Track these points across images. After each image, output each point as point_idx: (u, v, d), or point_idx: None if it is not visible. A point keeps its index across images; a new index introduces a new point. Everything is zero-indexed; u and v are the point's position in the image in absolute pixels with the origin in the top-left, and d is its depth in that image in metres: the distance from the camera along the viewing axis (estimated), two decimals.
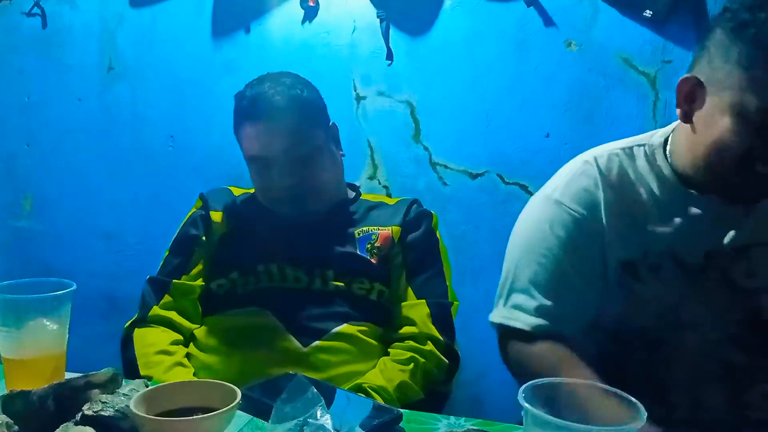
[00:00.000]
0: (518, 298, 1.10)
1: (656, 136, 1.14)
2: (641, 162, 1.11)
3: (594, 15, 1.75)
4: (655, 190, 1.08)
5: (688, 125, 1.04)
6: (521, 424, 0.91)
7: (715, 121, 0.98)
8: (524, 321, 1.08)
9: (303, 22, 1.94)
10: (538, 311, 1.07)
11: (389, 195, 1.90)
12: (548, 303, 1.07)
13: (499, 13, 1.81)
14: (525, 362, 1.08)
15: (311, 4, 1.90)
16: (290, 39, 1.95)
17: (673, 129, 1.12)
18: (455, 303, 1.35)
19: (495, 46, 1.83)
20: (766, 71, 0.91)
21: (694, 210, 1.06)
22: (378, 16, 1.87)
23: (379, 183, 1.95)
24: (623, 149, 1.13)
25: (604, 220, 1.07)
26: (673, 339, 1.06)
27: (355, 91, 1.93)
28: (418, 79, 1.89)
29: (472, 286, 1.89)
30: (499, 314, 1.14)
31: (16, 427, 0.80)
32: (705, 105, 1.00)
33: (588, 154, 1.14)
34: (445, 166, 1.90)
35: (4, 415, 0.80)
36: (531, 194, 1.82)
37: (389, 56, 1.90)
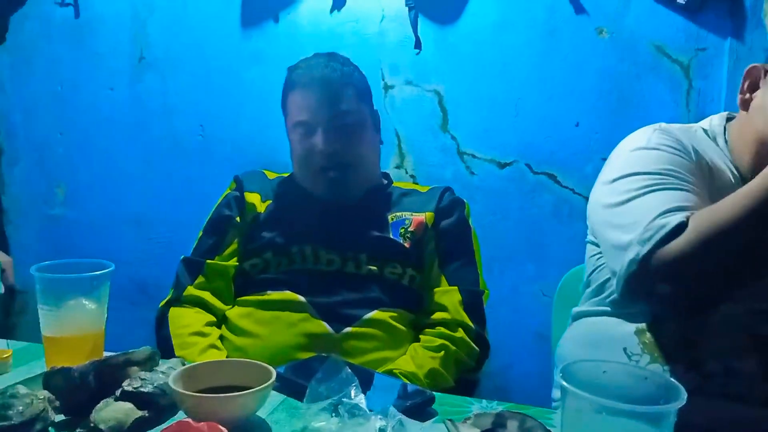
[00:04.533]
0: (658, 220, 0.97)
1: (713, 123, 1.14)
2: (702, 138, 1.11)
3: (626, 2, 1.73)
4: (718, 163, 1.07)
5: (745, 113, 1.06)
6: None
7: (765, 108, 1.00)
8: (673, 220, 0.94)
9: (331, 11, 1.94)
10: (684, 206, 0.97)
11: (416, 184, 1.90)
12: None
13: (528, 0, 1.80)
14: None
15: None
16: (318, 28, 1.96)
17: (729, 119, 1.13)
18: (486, 292, 1.35)
19: (524, 35, 1.82)
20: None
21: None
22: (406, 5, 1.87)
23: (407, 172, 1.95)
24: (679, 128, 1.12)
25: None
26: (712, 309, 1.04)
27: (383, 80, 1.93)
28: (446, 68, 1.89)
29: (499, 277, 1.88)
30: (639, 246, 0.96)
31: (57, 402, 0.82)
32: (762, 92, 1.02)
33: (649, 126, 1.12)
34: (473, 156, 1.89)
35: (45, 391, 0.82)
36: (560, 184, 1.83)
37: (417, 45, 1.90)
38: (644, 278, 0.97)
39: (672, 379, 0.65)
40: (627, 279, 0.98)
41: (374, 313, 1.25)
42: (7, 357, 0.98)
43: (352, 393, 0.80)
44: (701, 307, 1.02)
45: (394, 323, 1.25)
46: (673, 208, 0.97)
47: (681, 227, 0.93)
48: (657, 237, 0.94)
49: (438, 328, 1.26)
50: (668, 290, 0.98)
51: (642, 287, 1.00)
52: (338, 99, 1.33)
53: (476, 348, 1.26)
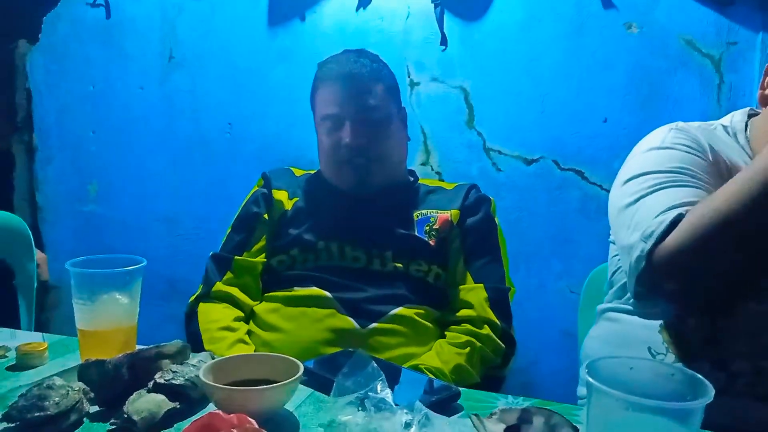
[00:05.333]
0: (660, 215, 0.96)
1: (735, 119, 1.13)
2: (722, 136, 1.09)
3: None
4: (737, 162, 1.05)
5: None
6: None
7: None
8: (672, 214, 0.94)
9: (357, 9, 1.95)
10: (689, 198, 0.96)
11: (442, 181, 1.90)
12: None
13: None
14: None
15: None
16: (344, 26, 1.97)
17: (752, 115, 1.11)
18: (512, 289, 1.34)
19: (552, 30, 1.80)
20: None
21: None
22: (432, 2, 1.87)
23: (432, 169, 1.95)
24: (698, 126, 1.10)
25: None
26: (739, 308, 1.02)
27: (409, 77, 1.93)
28: (472, 65, 1.89)
29: (526, 274, 1.88)
30: (643, 242, 0.97)
31: (92, 394, 0.84)
32: None
33: (666, 126, 1.11)
34: (499, 152, 1.89)
35: (80, 382, 0.84)
36: (587, 180, 1.81)
37: (443, 42, 1.89)
38: (651, 275, 0.97)
39: (699, 376, 0.65)
40: (637, 277, 0.98)
41: (400, 310, 1.25)
42: (43, 350, 1.01)
43: (379, 387, 0.80)
44: (716, 303, 1.00)
45: (419, 320, 1.26)
46: (678, 204, 0.96)
47: (679, 221, 0.92)
48: (658, 232, 0.94)
49: (464, 324, 1.26)
50: (676, 286, 0.97)
51: (651, 285, 0.99)
52: (366, 93, 1.34)
53: (502, 345, 1.26)
